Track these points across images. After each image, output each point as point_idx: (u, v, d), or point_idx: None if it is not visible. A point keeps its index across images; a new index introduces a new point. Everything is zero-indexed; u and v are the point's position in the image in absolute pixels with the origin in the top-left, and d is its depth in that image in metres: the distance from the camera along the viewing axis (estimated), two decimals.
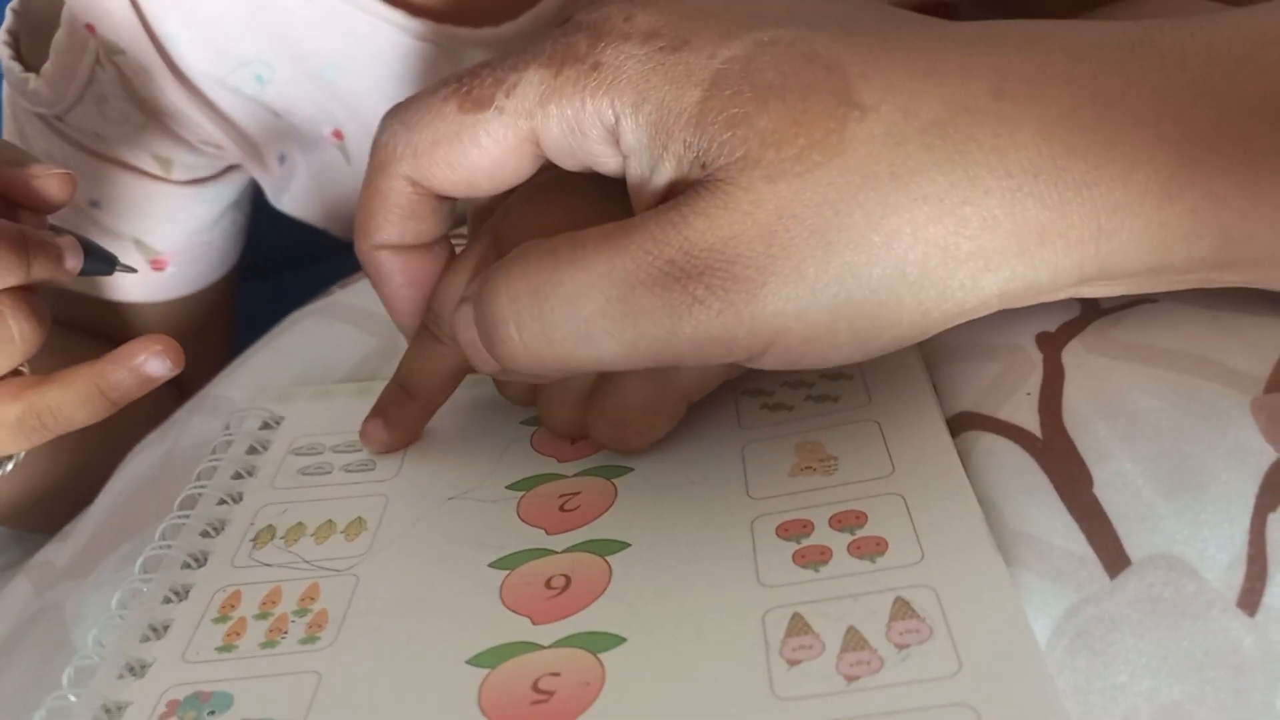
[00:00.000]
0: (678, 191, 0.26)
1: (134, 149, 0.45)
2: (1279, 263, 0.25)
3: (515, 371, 0.28)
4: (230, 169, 0.49)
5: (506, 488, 0.32)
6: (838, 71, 0.25)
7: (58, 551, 0.35)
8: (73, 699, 0.26)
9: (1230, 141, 0.24)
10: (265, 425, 0.35)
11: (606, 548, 0.29)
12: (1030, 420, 0.28)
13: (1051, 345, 0.30)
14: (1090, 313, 0.30)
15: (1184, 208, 0.25)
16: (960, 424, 0.29)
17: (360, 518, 0.31)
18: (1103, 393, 0.28)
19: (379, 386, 0.35)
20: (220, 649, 0.27)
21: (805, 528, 0.28)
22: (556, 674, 0.25)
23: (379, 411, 0.33)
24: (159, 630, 0.28)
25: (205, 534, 0.31)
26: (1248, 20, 0.25)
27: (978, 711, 0.22)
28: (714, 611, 0.26)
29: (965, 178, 0.24)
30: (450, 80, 0.29)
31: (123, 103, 0.43)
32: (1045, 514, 0.26)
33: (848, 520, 0.27)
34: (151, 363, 0.31)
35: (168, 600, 0.29)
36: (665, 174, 0.27)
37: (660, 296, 0.25)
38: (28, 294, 0.31)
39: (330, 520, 0.31)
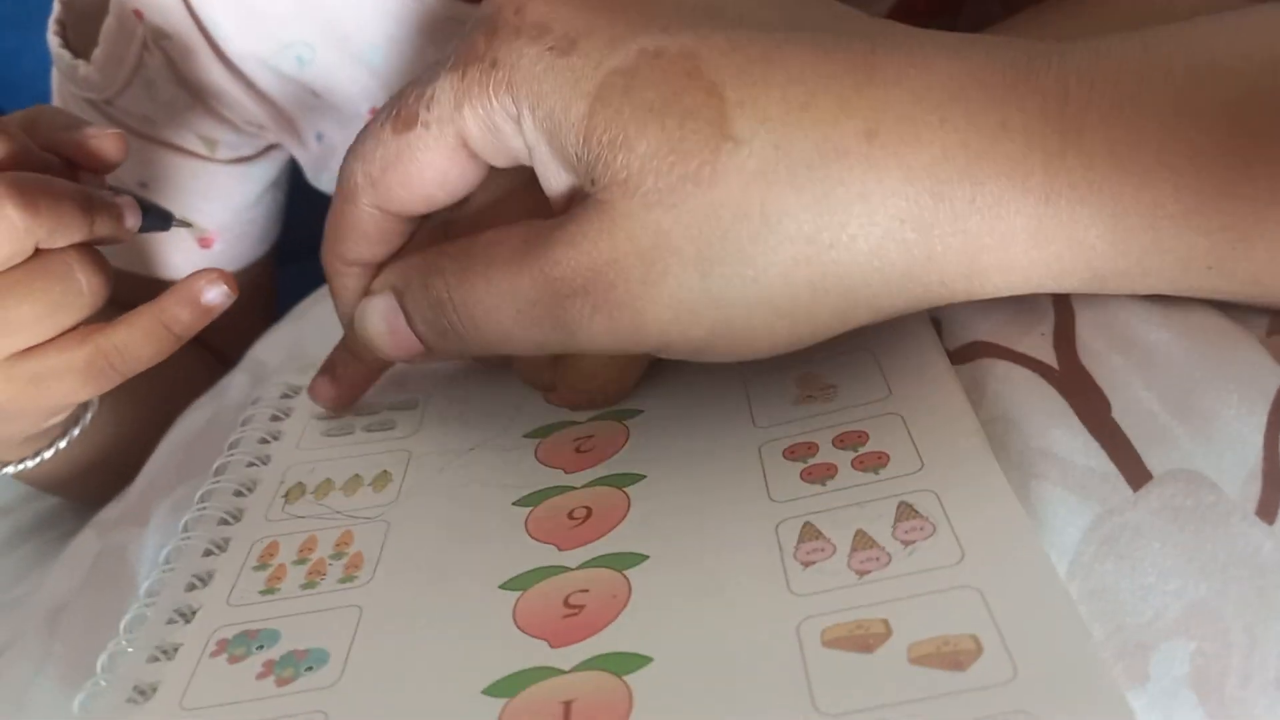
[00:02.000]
0: (575, 199, 0.28)
1: (180, 130, 0.47)
2: (1153, 287, 0.27)
3: (451, 357, 0.31)
4: (271, 148, 0.51)
5: (524, 436, 0.33)
6: (716, 95, 0.26)
7: (117, 507, 0.37)
8: (127, 645, 0.27)
9: (1097, 194, 0.25)
10: (286, 395, 0.37)
11: (623, 480, 0.30)
12: (1046, 354, 0.29)
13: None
14: None
15: (1051, 253, 0.26)
16: (975, 352, 0.30)
17: (386, 471, 0.33)
18: (1114, 328, 0.29)
19: None
20: (263, 592, 0.29)
21: (811, 449, 0.29)
22: (585, 590, 0.27)
23: (327, 369, 0.34)
24: (204, 579, 0.30)
25: (238, 493, 0.33)
26: (1135, 57, 0.26)
27: (981, 591, 0.24)
28: (730, 526, 0.27)
29: (833, 222, 0.25)
30: (387, 104, 0.30)
31: (170, 86, 0.45)
32: (1066, 435, 0.27)
33: (850, 440, 0.29)
34: (209, 292, 0.33)
35: (209, 553, 0.30)
36: (564, 180, 0.28)
37: (555, 312, 0.27)
38: (92, 250, 0.33)
39: (357, 475, 0.33)
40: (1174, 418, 0.27)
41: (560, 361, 0.32)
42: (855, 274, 0.26)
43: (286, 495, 0.32)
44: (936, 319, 0.32)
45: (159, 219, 0.36)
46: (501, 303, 0.28)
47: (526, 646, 0.25)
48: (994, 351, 0.30)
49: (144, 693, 0.26)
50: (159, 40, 0.44)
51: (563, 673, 0.25)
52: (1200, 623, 0.23)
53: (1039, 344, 0.29)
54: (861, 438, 0.29)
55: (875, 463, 0.28)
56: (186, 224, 0.37)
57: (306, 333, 0.40)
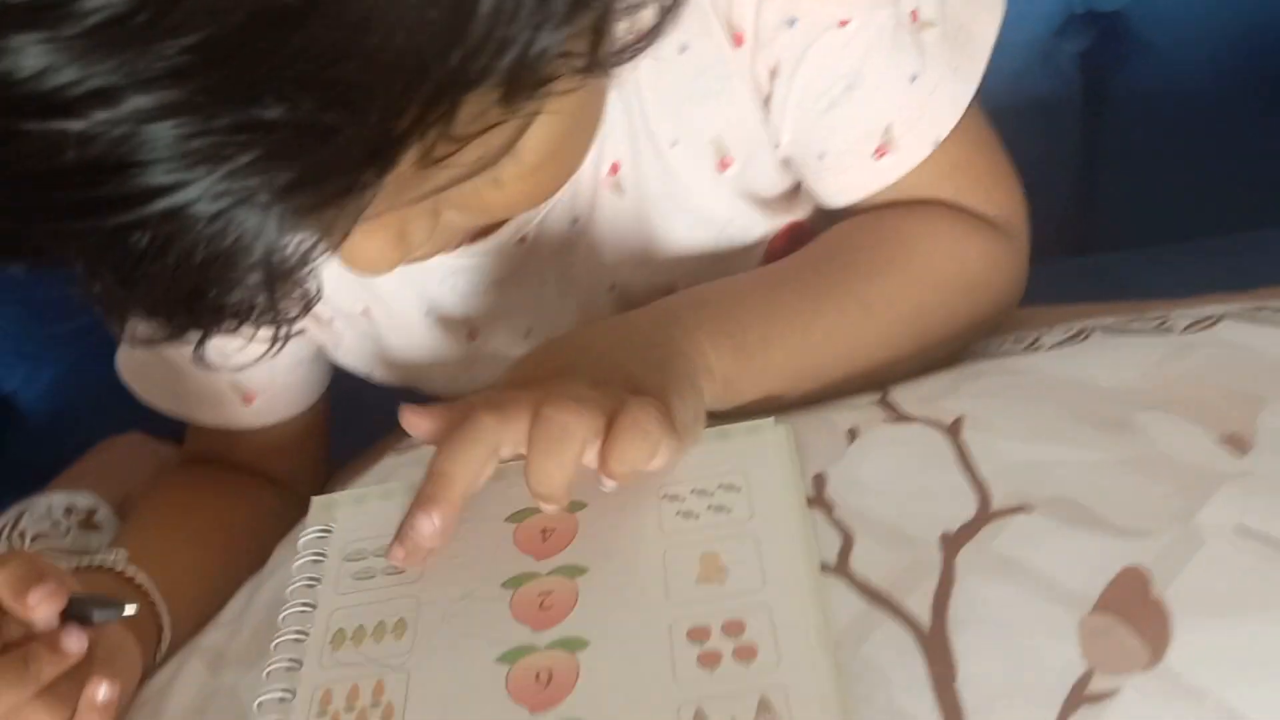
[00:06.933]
0: None
1: None
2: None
3: None
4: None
5: (501, 586, 0.45)
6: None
7: (220, 636, 0.49)
8: None
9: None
10: (321, 533, 0.48)
11: (573, 645, 0.42)
12: (924, 613, 0.39)
13: (950, 548, 0.41)
14: (981, 516, 0.42)
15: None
16: (875, 599, 0.40)
17: (402, 619, 0.45)
18: (976, 604, 0.39)
19: (399, 487, 0.48)
20: None
21: (706, 633, 0.41)
22: None
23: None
24: None
25: (297, 639, 0.45)
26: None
27: None
28: (646, 708, 0.40)
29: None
30: None
31: None
32: (917, 700, 0.37)
33: (733, 629, 0.41)
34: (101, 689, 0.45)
35: (282, 699, 0.43)
36: None
37: None
38: (47, 697, 0.44)
39: (381, 621, 0.45)
40: (996, 696, 0.37)
41: None
42: None
43: (332, 642, 0.45)
44: (849, 534, 0.43)
45: (110, 609, 0.46)
46: None
47: None
48: (886, 607, 0.40)
49: None
50: None
51: None
52: None
53: (922, 601, 0.40)
54: (741, 628, 0.41)
55: (749, 656, 0.40)
56: (133, 614, 0.47)
57: None
